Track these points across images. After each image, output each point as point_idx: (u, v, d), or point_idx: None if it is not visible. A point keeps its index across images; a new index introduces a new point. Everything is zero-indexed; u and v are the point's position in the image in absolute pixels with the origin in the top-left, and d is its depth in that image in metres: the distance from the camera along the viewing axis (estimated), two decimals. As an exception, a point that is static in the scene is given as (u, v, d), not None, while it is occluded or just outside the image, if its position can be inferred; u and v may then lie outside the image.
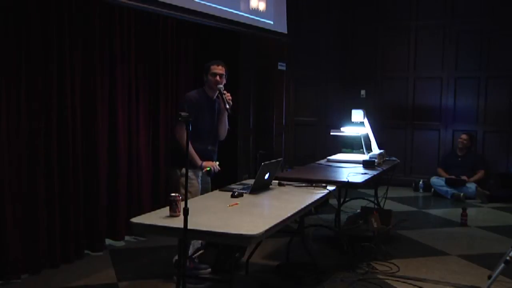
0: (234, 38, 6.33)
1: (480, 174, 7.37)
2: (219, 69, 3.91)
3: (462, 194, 7.05)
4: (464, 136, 7.54)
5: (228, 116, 4.02)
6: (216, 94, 3.94)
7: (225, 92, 3.87)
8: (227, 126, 4.10)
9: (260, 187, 3.64)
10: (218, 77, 3.88)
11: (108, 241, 4.73)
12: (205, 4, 5.16)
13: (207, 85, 3.95)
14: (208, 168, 3.88)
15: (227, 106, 3.83)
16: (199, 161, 3.85)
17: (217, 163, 3.99)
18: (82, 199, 4.36)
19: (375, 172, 4.54)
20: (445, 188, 7.24)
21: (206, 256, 3.98)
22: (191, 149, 3.72)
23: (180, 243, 2.88)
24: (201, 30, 5.89)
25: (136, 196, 4.99)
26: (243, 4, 5.88)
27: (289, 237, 4.15)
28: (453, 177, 7.28)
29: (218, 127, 4.05)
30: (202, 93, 3.96)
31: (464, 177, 7.23)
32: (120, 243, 4.78)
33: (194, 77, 5.87)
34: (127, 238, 4.88)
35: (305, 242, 4.12)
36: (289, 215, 3.00)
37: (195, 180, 3.86)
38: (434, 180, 7.42)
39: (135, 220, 2.83)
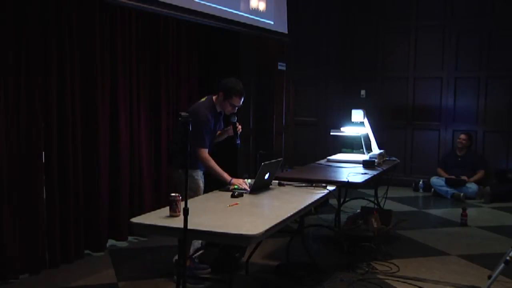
0: (234, 38, 6.33)
1: (480, 174, 7.37)
2: (241, 102, 3.82)
3: (462, 194, 7.05)
4: (463, 136, 7.54)
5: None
6: (221, 111, 3.90)
7: (237, 124, 3.85)
8: None
9: (260, 187, 3.64)
10: (236, 109, 3.86)
11: (111, 242, 4.73)
12: (205, 4, 5.16)
13: (220, 103, 3.83)
14: (235, 186, 3.63)
15: (238, 141, 3.86)
16: (228, 177, 3.72)
17: (249, 180, 3.76)
18: (83, 199, 4.36)
19: (375, 172, 4.54)
20: (445, 188, 7.25)
21: (206, 256, 3.98)
22: (216, 165, 3.73)
23: (180, 243, 2.88)
24: (202, 30, 5.89)
25: (138, 196, 4.99)
26: (243, 4, 5.88)
27: (289, 237, 4.15)
28: (453, 177, 7.28)
29: (217, 139, 4.07)
30: (212, 108, 3.83)
31: (464, 177, 7.23)
32: (122, 244, 4.78)
33: (195, 77, 5.88)
34: (129, 238, 4.87)
35: (305, 242, 4.12)
36: (289, 215, 3.00)
37: (199, 180, 3.86)
38: (434, 180, 7.42)
39: (135, 220, 2.83)
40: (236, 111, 3.87)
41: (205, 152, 3.71)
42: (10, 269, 3.75)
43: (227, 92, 3.77)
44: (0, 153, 3.66)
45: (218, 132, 4.04)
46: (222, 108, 3.86)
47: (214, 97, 3.88)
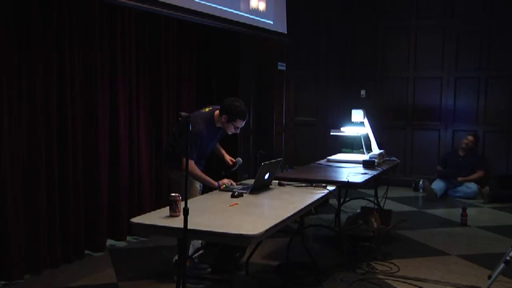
0: (234, 38, 6.33)
1: (478, 174, 7.35)
2: (244, 124, 3.85)
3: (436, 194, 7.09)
4: (470, 138, 7.50)
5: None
6: (220, 127, 3.90)
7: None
8: None
9: (260, 187, 3.64)
10: (238, 130, 3.88)
11: (110, 242, 4.73)
12: (205, 4, 5.16)
13: (222, 123, 3.82)
14: (224, 186, 3.75)
15: (232, 169, 4.01)
16: (214, 182, 3.77)
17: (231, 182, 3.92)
18: (83, 199, 4.36)
19: (375, 172, 4.54)
20: (440, 187, 7.26)
21: (206, 256, 3.98)
22: (202, 174, 3.77)
23: (180, 243, 2.88)
24: (202, 30, 5.89)
25: (137, 196, 4.99)
26: (243, 4, 5.88)
27: (289, 237, 4.15)
28: (443, 170, 7.35)
29: (214, 150, 4.11)
30: (211, 124, 3.83)
31: (460, 178, 7.24)
32: (122, 244, 4.78)
33: (195, 77, 5.88)
34: (128, 238, 4.87)
35: (305, 242, 4.12)
36: (289, 215, 3.00)
37: (194, 181, 3.85)
38: (435, 185, 7.38)
39: (135, 220, 2.83)
40: (239, 131, 3.92)
41: (191, 164, 3.65)
42: (15, 269, 3.75)
43: (231, 115, 3.76)
44: (2, 154, 3.66)
45: (225, 156, 4.12)
46: (225, 128, 3.86)
47: (216, 113, 3.85)
